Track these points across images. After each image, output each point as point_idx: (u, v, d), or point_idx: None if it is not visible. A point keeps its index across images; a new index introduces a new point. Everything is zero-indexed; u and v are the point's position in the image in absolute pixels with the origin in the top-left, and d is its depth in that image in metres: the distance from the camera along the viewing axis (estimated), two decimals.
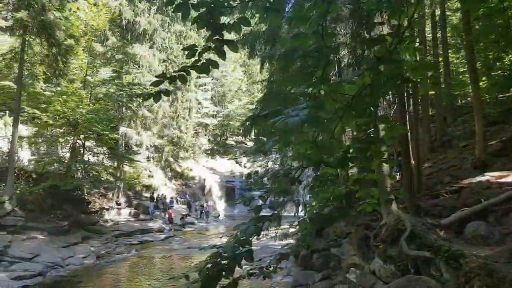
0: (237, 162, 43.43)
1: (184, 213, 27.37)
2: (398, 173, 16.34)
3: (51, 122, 18.54)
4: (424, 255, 6.93)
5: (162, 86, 2.41)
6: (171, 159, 35.06)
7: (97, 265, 14.94)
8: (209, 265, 2.08)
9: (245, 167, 42.17)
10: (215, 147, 44.58)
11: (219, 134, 47.22)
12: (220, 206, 36.21)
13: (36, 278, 12.49)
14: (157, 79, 2.37)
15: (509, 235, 7.60)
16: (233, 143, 50.13)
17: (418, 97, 13.40)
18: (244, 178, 40.07)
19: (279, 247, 15.19)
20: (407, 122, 11.33)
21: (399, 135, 10.26)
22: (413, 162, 12.19)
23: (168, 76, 2.33)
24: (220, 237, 21.79)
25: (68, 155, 20.53)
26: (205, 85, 41.75)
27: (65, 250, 15.99)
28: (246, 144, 50.87)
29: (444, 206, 9.51)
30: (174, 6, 2.16)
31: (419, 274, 6.99)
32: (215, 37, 2.21)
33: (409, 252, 7.07)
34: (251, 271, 10.91)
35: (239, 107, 45.14)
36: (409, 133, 11.65)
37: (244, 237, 2.10)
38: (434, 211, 9.46)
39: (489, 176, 12.05)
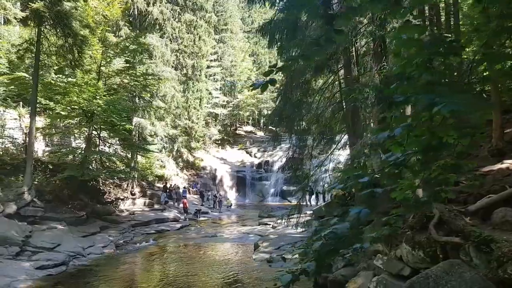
0: (247, 152, 43.50)
1: (198, 207, 27.61)
2: None
3: (64, 113, 18.66)
4: (454, 240, 6.91)
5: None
6: (182, 150, 35.23)
7: (117, 255, 15.17)
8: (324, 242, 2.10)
9: (255, 157, 42.24)
10: (225, 137, 44.65)
11: (229, 124, 47.24)
12: (231, 195, 36.42)
13: (60, 267, 12.73)
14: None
15: None
16: (243, 133, 50.18)
17: None
18: (255, 168, 40.21)
19: (297, 235, 15.27)
20: None
21: None
22: None
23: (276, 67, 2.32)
24: (236, 226, 21.99)
25: (82, 146, 20.72)
26: (214, 75, 41.65)
27: (84, 240, 16.25)
28: (255, 134, 50.89)
29: (468, 193, 9.42)
30: None
31: (448, 258, 6.99)
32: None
33: (438, 238, 7.06)
34: (270, 259, 10.91)
35: (248, 97, 45.02)
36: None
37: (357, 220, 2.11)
38: (459, 198, 9.39)
39: (508, 163, 11.94)
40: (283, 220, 12.92)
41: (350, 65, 10.61)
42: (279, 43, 10.57)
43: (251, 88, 2.37)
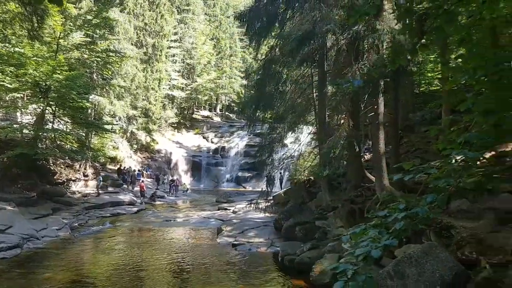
0: (204, 137, 43.24)
1: (154, 191, 27.17)
2: (367, 153, 17.25)
3: (13, 86, 17.39)
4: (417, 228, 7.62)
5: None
6: (140, 132, 34.30)
7: (73, 237, 14.67)
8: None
9: (212, 142, 42.13)
10: (181, 121, 43.96)
11: (186, 108, 46.52)
12: (186, 180, 36.17)
13: (14, 250, 12.12)
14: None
15: (486, 210, 8.50)
16: (200, 117, 49.68)
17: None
18: (211, 153, 40.14)
19: (260, 220, 15.69)
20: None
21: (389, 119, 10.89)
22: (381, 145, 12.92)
23: None
24: (193, 210, 22.01)
25: (32, 122, 19.49)
26: (174, 56, 40.64)
27: (37, 222, 15.52)
28: (212, 119, 50.60)
29: (425, 185, 10.31)
30: None
31: (410, 242, 7.71)
32: None
33: None
34: (236, 243, 11.35)
35: (208, 81, 44.54)
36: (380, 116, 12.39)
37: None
38: (417, 188, 10.24)
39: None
40: (252, 205, 13.27)
41: (324, 60, 11.03)
42: (257, 32, 10.69)
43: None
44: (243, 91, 53.74)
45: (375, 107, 9.59)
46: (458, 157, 3.08)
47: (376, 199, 9.38)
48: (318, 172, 10.85)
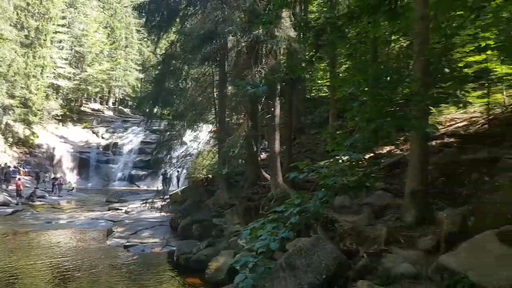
0: (93, 132, 40.12)
1: (34, 189, 24.31)
2: (263, 153, 18.13)
3: None
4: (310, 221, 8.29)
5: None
6: (12, 123, 30.27)
7: None
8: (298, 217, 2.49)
9: (103, 138, 39.35)
10: (67, 113, 40.10)
11: (73, 99, 42.59)
12: (72, 178, 33.16)
13: None
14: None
15: (363, 205, 9.65)
16: (89, 110, 45.91)
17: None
18: (101, 149, 37.46)
19: (155, 220, 15.24)
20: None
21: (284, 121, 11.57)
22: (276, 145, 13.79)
23: None
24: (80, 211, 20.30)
25: None
26: (61, 42, 36.82)
27: None
28: (103, 113, 47.22)
29: (314, 182, 11.25)
30: None
31: (300, 236, 8.36)
32: None
33: None
34: (128, 244, 11.09)
35: (99, 72, 41.39)
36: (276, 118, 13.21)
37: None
38: (307, 186, 11.11)
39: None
40: (147, 205, 12.82)
41: (225, 60, 11.24)
42: (157, 25, 10.40)
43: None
44: (139, 85, 51.33)
45: (272, 109, 10.13)
46: (344, 158, 3.49)
47: (270, 196, 9.92)
48: (217, 170, 11.03)
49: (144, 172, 35.53)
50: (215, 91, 12.58)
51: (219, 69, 11.70)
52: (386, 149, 12.30)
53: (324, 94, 24.59)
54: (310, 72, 14.71)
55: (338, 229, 7.74)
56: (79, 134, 39.07)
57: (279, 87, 9.71)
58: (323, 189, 2.99)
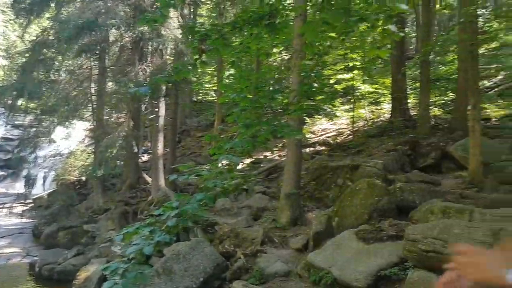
0: None
1: None
2: (145, 155, 17.53)
3: None
4: (186, 224, 8.22)
5: None
6: None
7: None
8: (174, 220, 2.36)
9: None
10: None
11: None
12: None
13: None
14: None
15: (242, 208, 10.01)
16: None
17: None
18: None
19: (14, 227, 13.33)
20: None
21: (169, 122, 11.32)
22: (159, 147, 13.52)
23: None
24: None
25: None
26: None
27: None
28: None
29: (197, 186, 11.26)
30: None
31: (179, 240, 8.25)
32: None
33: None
34: None
35: None
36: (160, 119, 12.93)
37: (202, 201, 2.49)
38: (189, 189, 11.06)
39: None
40: (5, 210, 11.14)
41: (106, 54, 10.52)
42: (28, 8, 9.21)
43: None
44: (1, 73, 44.41)
45: (156, 109, 9.84)
46: (224, 161, 3.58)
47: (151, 200, 9.59)
48: (91, 172, 10.20)
49: (3, 173, 30.74)
50: (93, 86, 11.65)
51: (99, 63, 10.88)
52: (267, 154, 13.04)
53: (211, 98, 24.91)
54: (197, 76, 14.75)
55: (218, 231, 7.88)
56: None
57: (164, 87, 9.48)
58: (202, 192, 3.01)
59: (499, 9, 11.46)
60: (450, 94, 12.15)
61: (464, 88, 9.19)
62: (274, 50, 11.93)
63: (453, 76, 11.42)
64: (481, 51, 11.70)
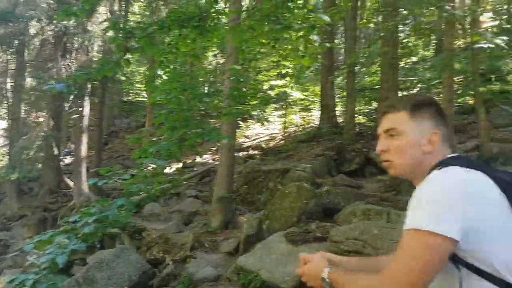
0: None
1: None
2: (68, 157, 16.43)
3: None
4: (111, 231, 7.79)
5: None
6: None
7: None
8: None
9: None
10: None
11: None
12: None
13: None
14: None
15: (173, 213, 9.75)
16: None
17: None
18: None
19: None
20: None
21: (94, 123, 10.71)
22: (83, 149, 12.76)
23: None
24: None
25: None
26: None
27: None
28: None
29: (121, 190, 10.75)
30: None
31: (104, 248, 7.81)
32: None
33: None
34: None
35: None
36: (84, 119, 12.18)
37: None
38: (115, 194, 10.53)
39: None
40: None
41: (24, 48, 9.68)
42: None
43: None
44: None
45: (80, 109, 9.25)
46: (150, 166, 3.46)
47: (73, 205, 8.96)
48: (5, 175, 9.30)
49: None
50: (9, 81, 10.65)
51: (17, 57, 9.97)
52: (201, 158, 12.89)
53: (142, 99, 24.03)
54: (127, 75, 14.16)
55: (145, 238, 7.58)
56: None
57: (90, 86, 8.95)
58: (123, 197, 2.88)
59: (417, 26, 12.54)
60: (373, 103, 13.04)
61: (386, 98, 9.91)
62: (209, 53, 11.88)
63: (377, 86, 12.27)
64: (401, 64, 12.77)
